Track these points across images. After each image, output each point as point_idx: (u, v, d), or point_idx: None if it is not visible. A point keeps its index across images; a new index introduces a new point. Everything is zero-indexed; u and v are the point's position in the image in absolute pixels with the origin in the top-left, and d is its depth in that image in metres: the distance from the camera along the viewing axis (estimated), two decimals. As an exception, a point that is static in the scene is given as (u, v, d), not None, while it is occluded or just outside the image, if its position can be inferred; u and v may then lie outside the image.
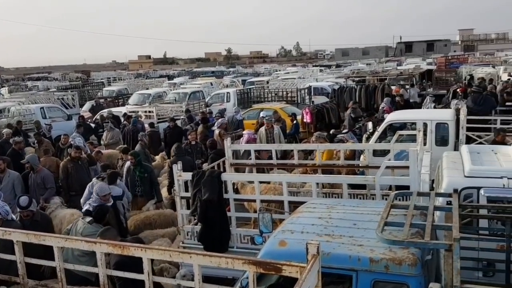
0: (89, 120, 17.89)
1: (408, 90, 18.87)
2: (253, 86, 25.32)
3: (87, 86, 36.14)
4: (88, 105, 23.30)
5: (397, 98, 15.76)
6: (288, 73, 37.58)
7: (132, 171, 8.79)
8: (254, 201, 6.49)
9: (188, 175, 6.25)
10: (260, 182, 6.47)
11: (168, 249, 4.45)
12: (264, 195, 6.67)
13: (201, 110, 18.21)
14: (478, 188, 5.22)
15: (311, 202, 5.16)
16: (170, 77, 46.57)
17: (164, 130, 14.68)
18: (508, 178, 5.20)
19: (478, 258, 4.97)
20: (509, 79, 21.85)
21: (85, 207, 7.26)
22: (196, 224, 6.25)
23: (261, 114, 14.78)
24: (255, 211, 6.44)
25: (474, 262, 5.05)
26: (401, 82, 20.62)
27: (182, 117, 16.32)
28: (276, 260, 3.26)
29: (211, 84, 29.13)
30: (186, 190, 6.37)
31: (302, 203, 5.27)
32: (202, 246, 6.05)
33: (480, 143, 9.01)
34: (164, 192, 9.20)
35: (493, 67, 28.92)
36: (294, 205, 5.68)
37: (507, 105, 13.23)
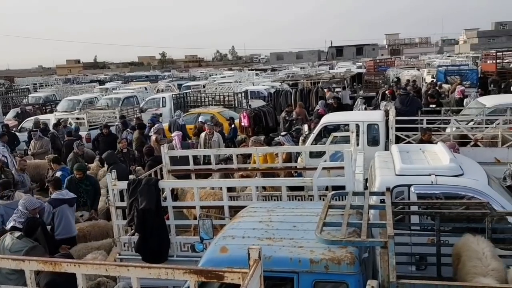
0: (14, 129, 16.84)
1: (339, 93, 19.55)
2: (190, 91, 25.11)
3: (11, 93, 33.94)
4: (12, 112, 22.06)
5: (330, 101, 16.26)
6: (225, 77, 37.66)
7: (76, 184, 8.33)
8: (194, 207, 6.39)
9: (123, 184, 6.03)
10: (200, 188, 6.38)
11: (104, 262, 4.24)
12: (203, 201, 6.58)
13: (135, 116, 17.74)
14: (409, 186, 5.47)
15: (251, 206, 5.16)
16: (102, 82, 44.91)
17: (96, 137, 14.20)
18: (436, 175, 5.50)
19: (411, 253, 5.22)
20: (432, 81, 23.33)
21: (9, 225, 6.71)
22: (133, 235, 6.04)
23: (200, 119, 14.68)
24: (195, 218, 6.34)
25: (407, 257, 5.30)
26: (334, 85, 21.34)
27: (116, 123, 15.80)
28: (217, 268, 3.20)
29: (146, 89, 28.54)
30: (122, 200, 6.14)
31: (243, 207, 5.24)
32: (140, 257, 5.85)
33: (409, 142, 9.46)
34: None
35: (418, 69, 30.75)
36: (235, 210, 5.65)
37: (431, 107, 14.10)
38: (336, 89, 20.46)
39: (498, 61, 26.20)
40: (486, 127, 10.15)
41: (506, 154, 8.67)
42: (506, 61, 28.01)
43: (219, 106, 18.95)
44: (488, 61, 27.81)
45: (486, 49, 50.66)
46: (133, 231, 5.98)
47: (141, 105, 21.06)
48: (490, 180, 5.76)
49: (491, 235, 4.82)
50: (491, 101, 12.27)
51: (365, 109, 15.71)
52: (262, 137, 11.38)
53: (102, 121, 16.61)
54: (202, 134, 11.51)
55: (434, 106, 13.53)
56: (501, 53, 27.68)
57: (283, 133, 11.24)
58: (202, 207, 6.14)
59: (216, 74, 45.41)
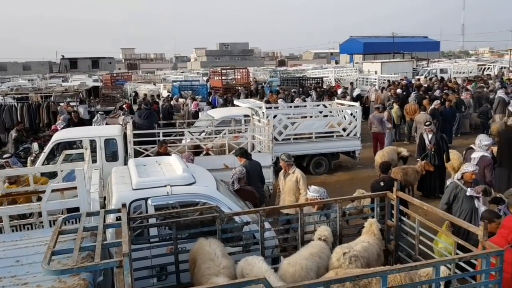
0: None
1: (76, 107, 18.46)
2: None
3: None
4: None
5: (62, 117, 15.13)
6: None
7: None
8: None
9: None
10: None
11: None
12: None
13: None
14: (146, 199, 5.49)
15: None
16: None
17: None
18: (171, 186, 5.69)
19: (152, 266, 5.23)
20: (168, 95, 24.47)
21: None
22: None
23: None
24: None
25: (149, 270, 5.29)
26: (68, 99, 20.01)
27: None
28: None
29: None
30: None
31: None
32: None
33: (147, 155, 9.59)
34: None
35: (154, 84, 31.83)
36: None
37: (169, 119, 14.74)
38: (71, 103, 19.22)
39: (223, 77, 29.57)
40: (215, 137, 11.19)
41: (232, 160, 9.70)
42: (230, 77, 31.87)
43: None
44: (216, 78, 30.98)
45: (213, 66, 56.55)
46: None
47: None
48: (219, 185, 6.32)
49: (221, 236, 5.28)
50: (218, 113, 13.67)
51: (107, 123, 15.22)
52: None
53: None
54: None
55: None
56: (225, 71, 31.26)
57: (6, 155, 9.76)
58: None
59: None
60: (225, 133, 10.92)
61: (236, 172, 7.57)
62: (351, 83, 26.66)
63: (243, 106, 13.55)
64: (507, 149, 9.96)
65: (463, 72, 35.94)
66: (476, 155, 8.10)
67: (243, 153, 8.33)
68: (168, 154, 8.70)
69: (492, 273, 3.99)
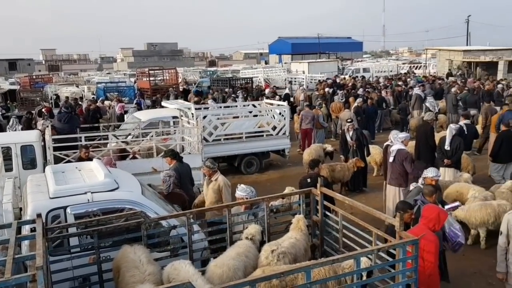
0: None
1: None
2: None
3: None
4: None
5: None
6: None
7: None
8: None
9: None
10: None
11: None
12: None
13: None
14: (65, 208, 5.20)
15: None
16: None
17: None
18: (92, 192, 5.42)
19: (74, 277, 4.96)
20: (93, 97, 23.45)
21: None
22: None
23: None
24: None
25: (71, 281, 5.00)
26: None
27: None
28: None
29: None
30: None
31: None
32: None
33: (69, 161, 9.11)
34: None
35: (77, 86, 30.39)
36: None
37: (92, 123, 14.11)
38: None
39: (151, 78, 28.85)
40: (142, 140, 10.88)
41: (161, 163, 9.47)
42: (159, 78, 31.19)
43: None
44: (144, 79, 30.14)
45: (141, 67, 55.06)
46: None
47: None
48: (144, 189, 6.13)
49: (147, 242, 5.12)
50: (145, 115, 13.30)
51: (22, 129, 14.27)
52: None
53: None
54: None
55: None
56: (153, 71, 30.53)
57: None
58: None
59: None
60: (152, 136, 10.65)
61: (172, 175, 7.33)
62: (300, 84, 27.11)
63: (171, 107, 13.30)
64: (423, 142, 10.64)
65: (384, 71, 37.95)
66: (393, 148, 8.53)
67: (173, 154, 8.12)
68: (90, 159, 8.31)
69: (409, 261, 4.22)
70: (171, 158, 8.05)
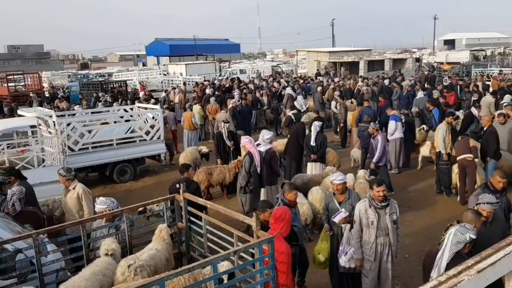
0: None
1: None
2: None
3: None
4: None
5: None
6: None
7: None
8: None
9: None
10: None
11: None
12: None
13: None
14: None
15: None
16: None
17: None
18: None
19: None
20: None
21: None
22: None
23: None
24: None
25: None
26: None
27: None
28: None
29: None
30: None
31: None
32: None
33: None
34: None
35: None
36: None
37: None
38: None
39: (11, 84, 26.14)
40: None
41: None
42: (21, 84, 28.41)
43: None
44: (2, 85, 27.20)
45: (1, 72, 49.79)
46: None
47: None
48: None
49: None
50: (-1, 126, 11.90)
51: None
52: None
53: None
54: None
55: None
56: (12, 77, 27.73)
57: None
58: None
59: None
60: (3, 149, 9.57)
61: (15, 192, 6.57)
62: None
63: (29, 115, 12.10)
64: (293, 140, 11.15)
65: (260, 72, 39.23)
66: (263, 148, 8.76)
67: (15, 173, 7.25)
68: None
69: (266, 259, 4.29)
70: (14, 177, 7.20)
